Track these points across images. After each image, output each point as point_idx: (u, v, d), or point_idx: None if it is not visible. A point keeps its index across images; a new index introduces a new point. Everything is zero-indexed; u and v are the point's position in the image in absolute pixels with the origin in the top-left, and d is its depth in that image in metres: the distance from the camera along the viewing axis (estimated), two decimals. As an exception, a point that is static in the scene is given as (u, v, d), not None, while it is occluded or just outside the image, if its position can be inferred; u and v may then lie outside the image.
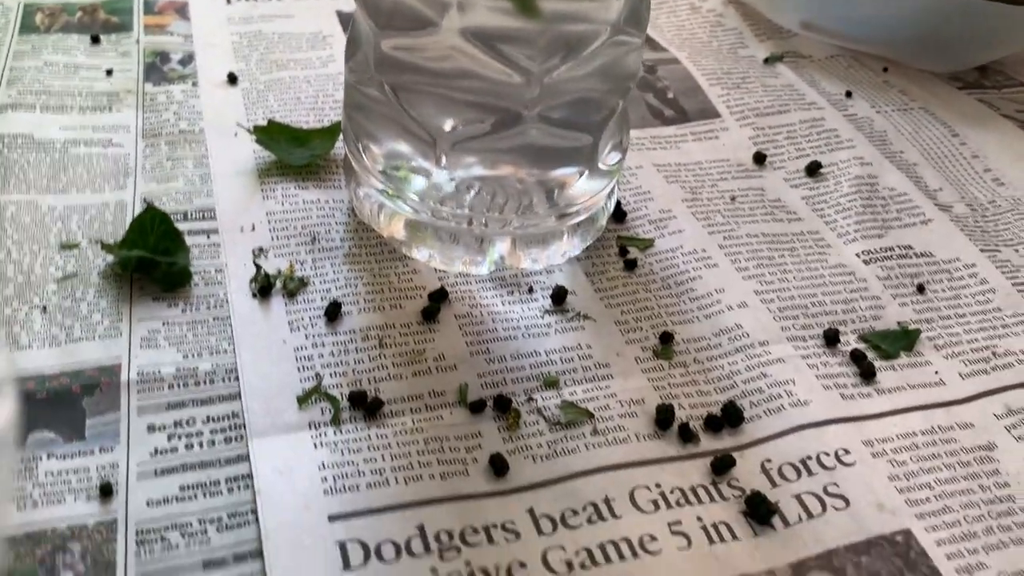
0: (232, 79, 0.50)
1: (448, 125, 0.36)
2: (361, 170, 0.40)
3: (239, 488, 0.31)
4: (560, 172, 0.38)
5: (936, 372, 0.38)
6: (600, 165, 0.39)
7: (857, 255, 0.43)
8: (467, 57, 0.34)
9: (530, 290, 0.40)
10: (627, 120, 0.41)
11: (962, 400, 0.37)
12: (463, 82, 0.35)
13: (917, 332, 0.39)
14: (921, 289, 0.42)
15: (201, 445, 0.32)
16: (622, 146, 0.40)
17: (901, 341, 0.39)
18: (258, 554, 0.29)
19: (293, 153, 0.44)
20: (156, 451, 0.32)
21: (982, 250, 0.44)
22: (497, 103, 0.35)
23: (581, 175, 0.38)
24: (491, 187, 0.38)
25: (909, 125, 0.53)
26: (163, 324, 0.36)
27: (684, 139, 0.50)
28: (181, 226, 0.40)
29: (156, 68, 0.51)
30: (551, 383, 0.36)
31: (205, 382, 0.34)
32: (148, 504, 0.30)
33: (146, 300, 0.37)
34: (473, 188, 0.38)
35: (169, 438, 0.33)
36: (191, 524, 0.30)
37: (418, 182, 0.38)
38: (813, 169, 0.48)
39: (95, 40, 0.52)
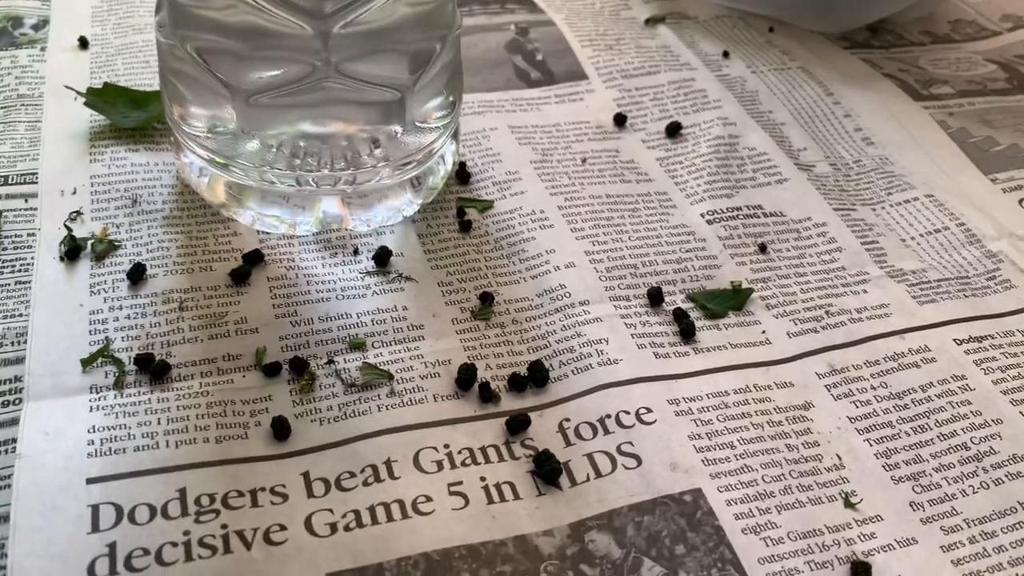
0: (83, 43, 0.49)
1: (243, 82, 0.35)
2: (179, 135, 0.39)
3: (6, 452, 0.30)
4: (377, 128, 0.37)
5: (763, 331, 0.37)
6: (417, 121, 0.38)
7: (702, 215, 0.42)
8: (251, 8, 0.33)
9: (355, 252, 0.39)
10: (458, 75, 0.40)
11: (785, 359, 0.36)
12: (253, 37, 0.34)
13: (749, 291, 0.38)
14: (763, 249, 0.41)
15: (-24, 409, 0.32)
16: (449, 101, 0.39)
17: (730, 300, 0.38)
18: (10, 518, 0.28)
19: (128, 116, 0.43)
20: (-72, 416, 0.31)
21: (836, 209, 0.43)
22: (291, 56, 0.34)
23: (398, 131, 0.37)
24: (315, 145, 0.37)
25: (783, 85, 0.52)
26: (-39, 289, 0.36)
27: (547, 101, 0.49)
28: (-1, 191, 0.40)
29: (7, 32, 0.49)
30: (357, 345, 0.35)
31: (-8, 346, 0.34)
32: (-92, 469, 0.30)
33: (-52, 265, 0.37)
34: (296, 147, 0.37)
35: (-55, 402, 0.32)
36: (-51, 489, 0.29)
37: (236, 144, 0.37)
38: (673, 130, 0.47)
39: (-53, 5, 0.51)
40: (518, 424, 0.32)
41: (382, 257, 0.38)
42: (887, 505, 0.31)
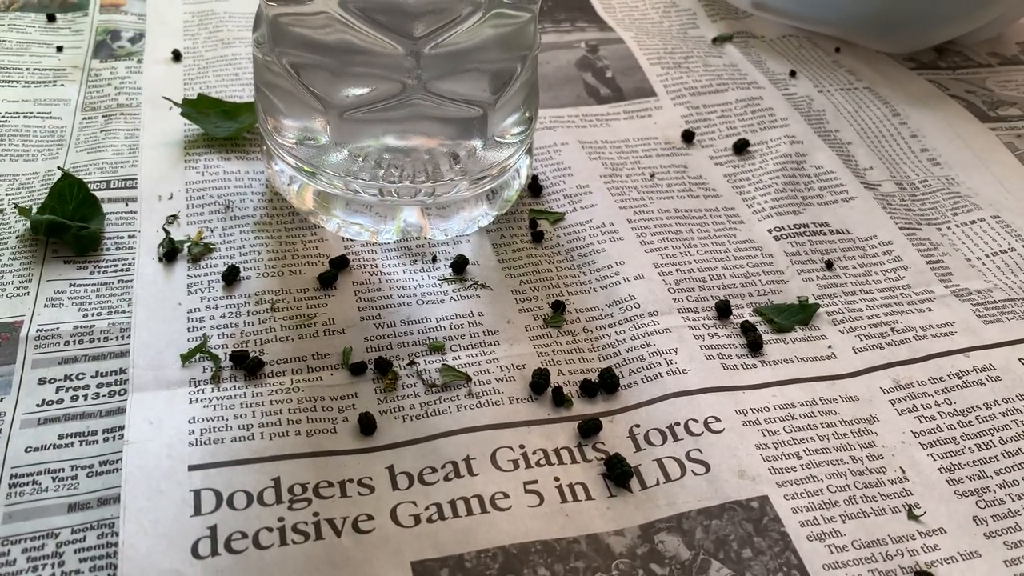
0: (177, 56, 0.51)
1: (337, 98, 0.37)
2: (272, 144, 0.41)
3: (114, 438, 0.33)
4: (457, 143, 0.39)
5: (829, 346, 0.38)
6: (496, 137, 0.39)
7: (769, 231, 0.43)
8: (347, 27, 0.35)
9: (433, 259, 0.41)
10: (535, 92, 0.42)
11: (850, 374, 0.37)
12: (348, 55, 0.36)
13: (815, 307, 0.39)
14: (830, 265, 0.42)
15: (86, 397, 0.34)
16: (526, 117, 0.41)
17: (797, 315, 0.39)
18: (120, 498, 0.30)
19: (220, 126, 0.46)
20: (43, 402, 0.34)
21: (902, 228, 0.44)
22: (382, 74, 0.36)
23: (478, 146, 0.39)
24: (398, 158, 0.39)
25: (850, 104, 0.52)
26: (70, 285, 0.38)
27: (616, 117, 0.50)
28: (102, 194, 0.42)
29: (106, 45, 0.52)
30: (436, 348, 0.37)
31: (99, 339, 0.36)
32: (26, 450, 0.32)
33: (57, 263, 0.39)
34: (380, 159, 0.39)
35: (57, 390, 0.34)
36: (63, 470, 0.32)
37: (324, 155, 0.39)
38: (740, 147, 0.48)
39: (51, 19, 0.54)
40: (590, 428, 0.34)
41: (459, 265, 0.40)
42: (950, 519, 0.32)
